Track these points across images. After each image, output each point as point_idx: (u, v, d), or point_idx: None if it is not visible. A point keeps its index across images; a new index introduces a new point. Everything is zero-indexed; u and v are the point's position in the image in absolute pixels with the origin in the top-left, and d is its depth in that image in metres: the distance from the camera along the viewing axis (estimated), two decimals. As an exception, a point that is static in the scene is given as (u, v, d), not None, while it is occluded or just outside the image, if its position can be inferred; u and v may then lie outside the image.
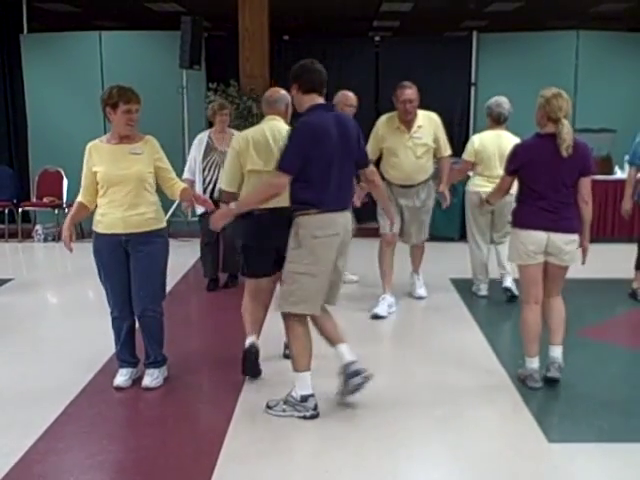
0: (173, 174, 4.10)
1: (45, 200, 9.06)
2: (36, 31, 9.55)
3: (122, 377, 4.10)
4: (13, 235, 8.91)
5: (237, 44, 8.78)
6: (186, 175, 6.15)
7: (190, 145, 7.25)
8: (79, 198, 4.05)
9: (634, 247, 6.06)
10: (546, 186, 3.93)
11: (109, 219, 3.94)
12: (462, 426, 3.62)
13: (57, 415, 3.69)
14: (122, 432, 3.55)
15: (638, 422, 3.64)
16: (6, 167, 9.63)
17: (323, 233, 3.53)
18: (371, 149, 5.27)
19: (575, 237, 4.00)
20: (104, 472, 3.20)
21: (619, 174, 8.47)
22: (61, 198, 9.04)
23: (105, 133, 4.13)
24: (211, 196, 5.90)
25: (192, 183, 5.98)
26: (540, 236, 3.95)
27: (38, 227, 9.00)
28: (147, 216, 3.95)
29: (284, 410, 3.69)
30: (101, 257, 4.00)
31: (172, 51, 8.57)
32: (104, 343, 4.41)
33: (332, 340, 3.82)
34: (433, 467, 3.22)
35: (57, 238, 8.88)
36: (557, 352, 4.07)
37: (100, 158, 3.93)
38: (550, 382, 4.04)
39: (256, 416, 3.71)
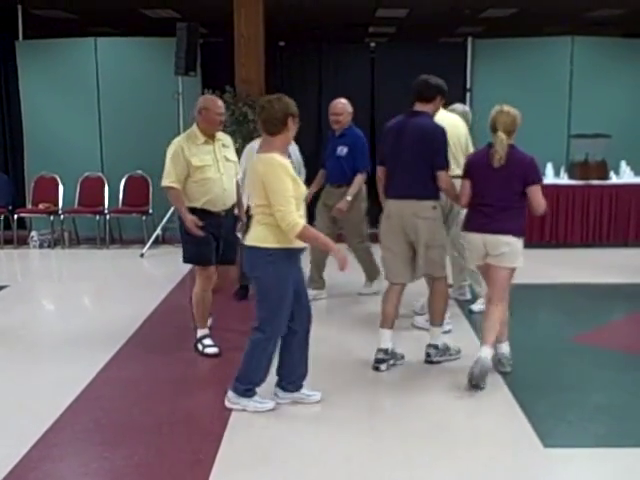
0: None
1: (41, 206, 9.02)
2: (32, 38, 9.53)
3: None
4: (8, 242, 8.88)
5: (233, 50, 8.78)
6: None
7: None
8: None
9: (630, 251, 6.06)
10: None
11: None
12: (457, 431, 3.62)
13: (52, 422, 3.68)
14: (117, 439, 3.53)
15: (633, 427, 3.65)
16: (1, 173, 9.59)
17: (383, 216, 4.49)
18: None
19: None
20: (99, 479, 3.19)
21: (614, 179, 8.49)
22: (57, 204, 8.99)
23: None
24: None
25: None
26: None
27: (34, 233, 8.97)
28: None
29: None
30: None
31: (167, 57, 8.55)
32: (99, 350, 4.40)
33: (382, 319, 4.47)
34: (429, 472, 3.21)
35: (53, 244, 8.88)
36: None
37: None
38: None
39: (252, 422, 3.70)
